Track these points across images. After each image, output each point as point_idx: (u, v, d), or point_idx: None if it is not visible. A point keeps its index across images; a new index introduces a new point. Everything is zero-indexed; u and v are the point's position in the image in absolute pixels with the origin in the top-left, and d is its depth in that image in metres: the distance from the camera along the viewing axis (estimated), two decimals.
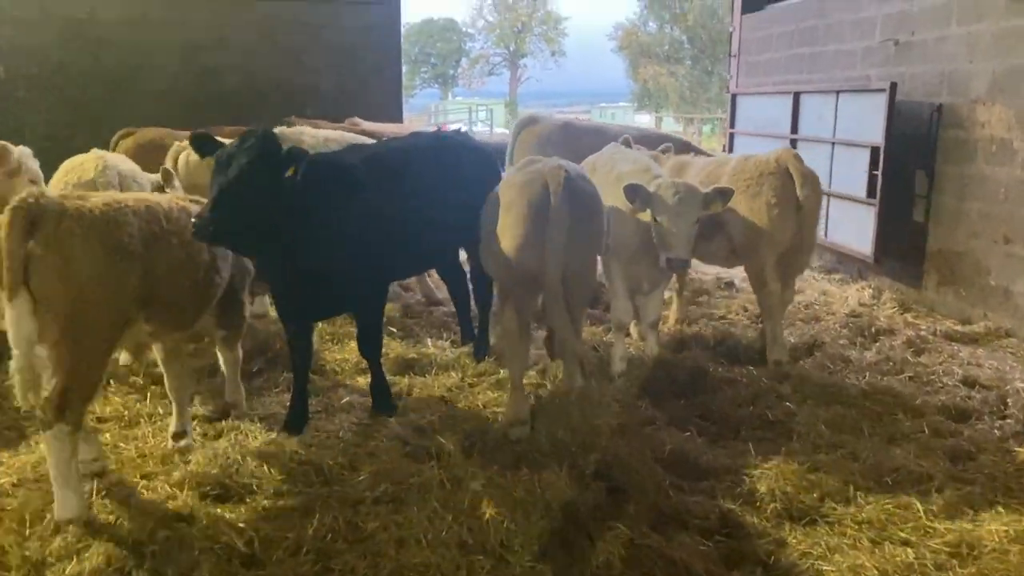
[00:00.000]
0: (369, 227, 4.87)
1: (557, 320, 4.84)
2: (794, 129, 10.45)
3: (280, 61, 12.20)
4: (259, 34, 12.25)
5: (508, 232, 4.88)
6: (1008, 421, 5.02)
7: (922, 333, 7.10)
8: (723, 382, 5.72)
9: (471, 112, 42.48)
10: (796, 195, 6.06)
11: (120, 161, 6.24)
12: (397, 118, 12.24)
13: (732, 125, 12.57)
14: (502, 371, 5.98)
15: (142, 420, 5.11)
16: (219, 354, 5.26)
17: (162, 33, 12.20)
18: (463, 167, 5.79)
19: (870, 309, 7.97)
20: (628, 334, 6.43)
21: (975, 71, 7.64)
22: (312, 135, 7.66)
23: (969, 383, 5.74)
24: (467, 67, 70.52)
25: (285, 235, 4.45)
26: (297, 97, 11.80)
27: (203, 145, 4.49)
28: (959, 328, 7.33)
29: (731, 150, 12.32)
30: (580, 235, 4.86)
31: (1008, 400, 5.38)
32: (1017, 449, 4.53)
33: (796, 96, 10.44)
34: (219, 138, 4.63)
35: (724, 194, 5.59)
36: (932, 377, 5.88)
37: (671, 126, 41.68)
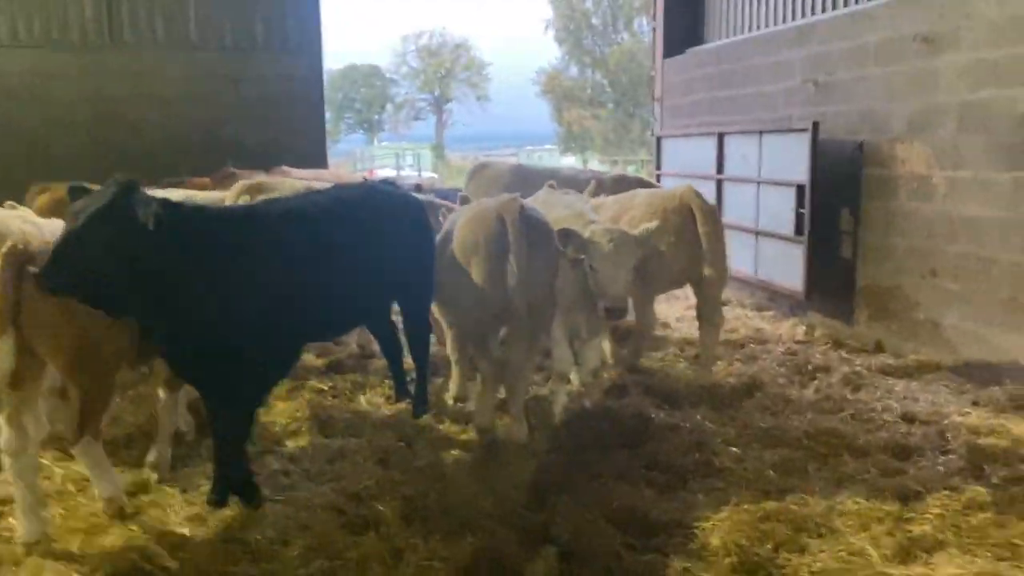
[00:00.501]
0: (280, 287, 4.35)
1: (520, 355, 5.22)
2: (719, 169, 10.60)
3: (201, 113, 11.87)
4: (178, 86, 11.94)
5: (473, 272, 5.07)
6: (951, 457, 5.01)
7: (857, 369, 7.15)
8: (667, 429, 5.60)
9: (398, 157, 42.31)
10: (695, 230, 6.54)
11: (12, 220, 5.81)
12: (322, 165, 11.98)
13: (659, 167, 12.71)
14: (441, 426, 5.78)
15: (50, 499, 4.70)
16: (159, 400, 5.00)
17: (77, 86, 11.80)
18: (389, 218, 5.39)
19: (805, 347, 8.01)
20: (569, 381, 6.29)
21: (893, 110, 7.85)
22: (292, 184, 7.50)
23: (908, 419, 5.76)
24: (392, 112, 70.64)
25: (159, 296, 4.00)
26: (220, 149, 11.45)
27: (77, 197, 4.15)
28: (892, 362, 7.40)
29: None
30: (538, 264, 5.06)
31: (948, 435, 5.40)
32: (964, 486, 4.50)
33: (720, 137, 10.61)
34: None
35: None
36: (872, 414, 5.88)
37: (597, 168, 42.25)
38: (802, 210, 8.67)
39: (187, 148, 11.60)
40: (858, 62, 8.35)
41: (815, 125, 8.43)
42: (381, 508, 4.29)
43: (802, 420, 5.75)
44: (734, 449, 5.18)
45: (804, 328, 8.76)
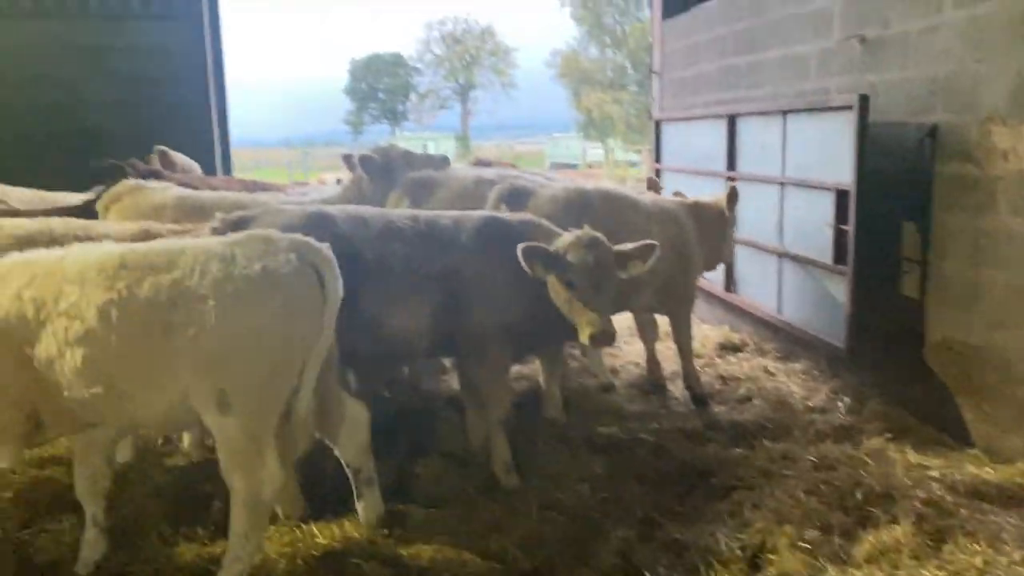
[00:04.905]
0: None
1: None
2: (731, 165, 7.81)
3: (54, 96, 9.17)
4: (24, 61, 9.21)
5: None
6: None
7: (937, 492, 4.38)
8: None
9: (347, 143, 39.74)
10: None
11: None
12: (210, 165, 9.22)
13: (658, 159, 9.90)
14: None
15: None
16: None
17: None
18: None
19: (846, 444, 5.15)
20: None
21: (987, 73, 4.99)
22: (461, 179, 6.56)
23: None
24: (416, 102, 70.44)
25: None
26: (79, 141, 8.86)
27: None
28: (991, 477, 4.63)
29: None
30: None
31: None
32: None
33: (731, 120, 7.81)
34: None
35: None
36: None
37: (621, 156, 39.34)
38: (844, 226, 5.86)
39: (34, 141, 9.01)
40: (928, 3, 5.49)
41: (863, 101, 5.60)
42: None
43: None
44: None
45: (847, 400, 5.96)
